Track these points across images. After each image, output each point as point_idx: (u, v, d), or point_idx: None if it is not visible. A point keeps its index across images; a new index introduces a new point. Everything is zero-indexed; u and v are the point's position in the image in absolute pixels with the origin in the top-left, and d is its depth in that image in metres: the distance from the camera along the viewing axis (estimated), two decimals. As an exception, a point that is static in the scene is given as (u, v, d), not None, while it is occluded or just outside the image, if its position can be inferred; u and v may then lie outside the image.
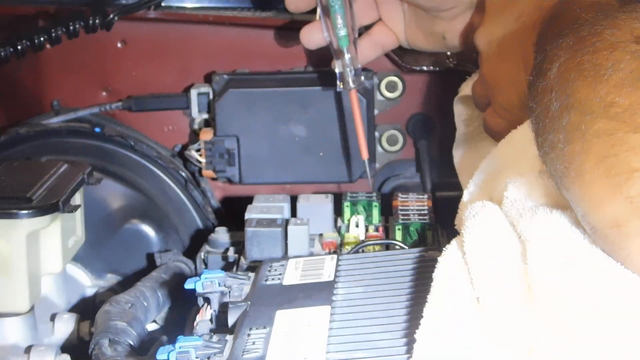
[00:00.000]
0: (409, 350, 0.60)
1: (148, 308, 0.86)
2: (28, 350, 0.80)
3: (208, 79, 1.04)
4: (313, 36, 0.93)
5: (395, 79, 1.02)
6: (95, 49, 1.04)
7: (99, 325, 0.81)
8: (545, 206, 0.62)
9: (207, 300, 0.73)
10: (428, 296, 0.62)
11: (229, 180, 1.03)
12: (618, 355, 0.54)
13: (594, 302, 0.55)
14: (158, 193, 1.04)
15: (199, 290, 0.72)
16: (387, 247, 0.84)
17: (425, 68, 1.02)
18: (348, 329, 0.65)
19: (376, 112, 1.03)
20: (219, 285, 0.73)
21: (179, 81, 1.05)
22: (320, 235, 0.88)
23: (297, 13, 0.94)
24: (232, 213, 1.02)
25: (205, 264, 0.91)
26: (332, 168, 1.01)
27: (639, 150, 0.53)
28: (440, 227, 0.87)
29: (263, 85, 1.01)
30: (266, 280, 0.75)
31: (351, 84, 0.91)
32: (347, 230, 0.88)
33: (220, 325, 0.71)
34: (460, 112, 0.95)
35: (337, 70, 0.91)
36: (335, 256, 0.77)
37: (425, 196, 0.93)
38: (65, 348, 0.83)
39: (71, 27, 0.97)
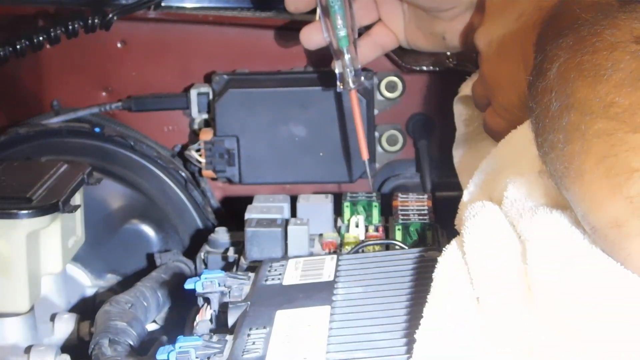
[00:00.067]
0: (409, 350, 0.60)
1: (148, 308, 0.86)
2: (28, 350, 0.80)
3: (208, 79, 1.04)
4: (313, 37, 0.93)
5: (395, 79, 1.02)
6: (95, 49, 1.04)
7: (98, 325, 0.81)
8: (545, 206, 0.62)
9: (207, 301, 0.73)
10: (428, 296, 0.62)
11: (229, 180, 1.03)
12: (618, 355, 0.54)
13: (594, 302, 0.55)
14: (158, 193, 1.04)
15: (199, 290, 0.72)
16: (387, 247, 0.84)
17: (425, 68, 1.02)
18: (348, 329, 0.65)
19: (376, 112, 1.03)
20: (219, 285, 0.73)
21: (179, 81, 1.05)
22: (320, 235, 0.88)
23: (296, 13, 0.94)
24: (232, 213, 1.02)
25: (205, 264, 0.91)
26: (332, 168, 1.01)
27: (638, 151, 0.53)
28: (440, 227, 0.87)
29: (263, 85, 1.01)
30: (266, 280, 0.75)
31: (351, 85, 0.91)
32: (347, 230, 0.88)
33: (220, 326, 0.71)
34: (460, 112, 0.95)
35: (337, 71, 0.91)
36: (335, 256, 0.77)
37: (425, 196, 0.93)
38: (65, 348, 0.83)
39: (70, 27, 0.97)
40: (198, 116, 1.04)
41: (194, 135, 1.04)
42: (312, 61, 1.04)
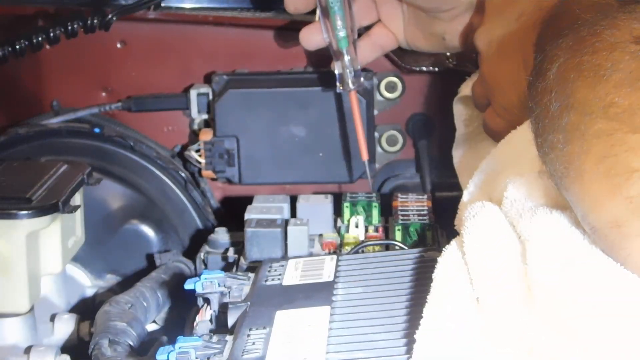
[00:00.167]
0: (409, 351, 0.60)
1: (148, 308, 0.86)
2: (28, 350, 0.80)
3: (208, 79, 1.04)
4: (312, 37, 0.93)
5: (394, 79, 1.02)
6: (95, 50, 1.04)
7: (98, 325, 0.81)
8: (545, 206, 0.62)
9: (207, 301, 0.73)
10: (428, 296, 0.62)
11: (229, 181, 1.03)
12: (618, 355, 0.54)
13: (594, 302, 0.55)
14: (158, 193, 1.04)
15: (199, 290, 0.72)
16: (387, 247, 0.84)
17: (424, 68, 1.02)
18: (348, 329, 0.65)
19: (376, 112, 1.03)
20: (219, 285, 0.73)
21: (178, 81, 1.05)
22: (320, 235, 0.88)
23: (296, 14, 0.94)
24: (232, 213, 1.02)
25: (205, 265, 0.91)
26: (331, 168, 1.01)
27: (638, 151, 0.53)
28: (440, 227, 0.87)
29: (263, 86, 1.01)
30: (266, 280, 0.75)
31: (351, 85, 0.91)
32: (347, 230, 0.88)
33: (220, 326, 0.71)
34: (460, 112, 0.95)
35: (336, 72, 0.91)
36: (335, 256, 0.77)
37: (425, 196, 0.93)
38: (65, 348, 0.83)
39: (70, 27, 0.97)
40: (198, 116, 1.04)
41: (194, 136, 1.04)
42: (312, 62, 1.04)
